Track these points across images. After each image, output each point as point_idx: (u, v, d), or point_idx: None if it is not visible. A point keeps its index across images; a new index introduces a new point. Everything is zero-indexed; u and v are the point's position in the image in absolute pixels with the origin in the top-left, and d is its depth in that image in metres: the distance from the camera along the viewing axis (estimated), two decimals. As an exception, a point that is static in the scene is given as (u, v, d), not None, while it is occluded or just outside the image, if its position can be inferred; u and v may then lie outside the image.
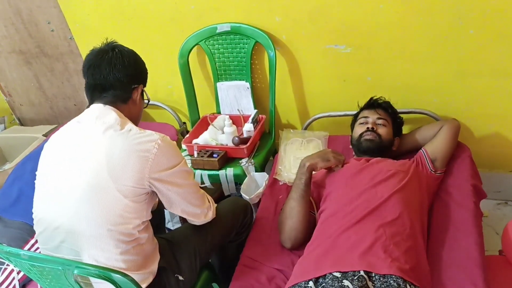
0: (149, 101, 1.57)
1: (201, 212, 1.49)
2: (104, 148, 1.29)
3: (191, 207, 1.44)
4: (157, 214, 1.68)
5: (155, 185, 1.32)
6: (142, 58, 1.51)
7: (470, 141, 1.98)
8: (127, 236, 1.31)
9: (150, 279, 1.38)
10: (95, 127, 1.33)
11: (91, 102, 1.41)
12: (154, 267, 1.41)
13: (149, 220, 1.42)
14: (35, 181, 1.41)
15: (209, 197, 1.57)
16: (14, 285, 1.67)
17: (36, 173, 1.42)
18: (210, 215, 1.53)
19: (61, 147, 1.38)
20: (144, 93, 1.51)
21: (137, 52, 1.49)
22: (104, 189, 1.27)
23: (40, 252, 1.42)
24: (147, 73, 1.52)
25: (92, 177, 1.27)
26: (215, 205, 1.59)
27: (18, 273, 1.69)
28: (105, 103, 1.38)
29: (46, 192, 1.36)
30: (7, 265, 1.70)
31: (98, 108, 1.38)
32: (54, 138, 1.42)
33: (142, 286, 1.29)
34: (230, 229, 1.69)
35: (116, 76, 1.38)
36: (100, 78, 1.38)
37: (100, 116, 1.35)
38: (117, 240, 1.30)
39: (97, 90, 1.40)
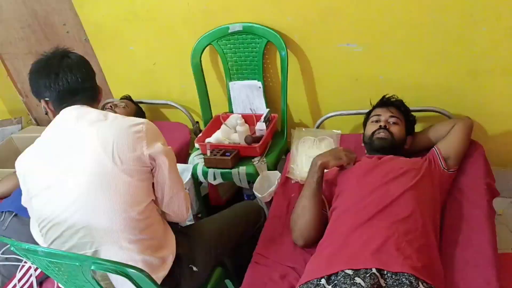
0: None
1: (185, 203, 1.51)
2: (97, 139, 1.31)
3: (176, 195, 1.47)
4: None
5: (155, 161, 1.37)
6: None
7: (483, 139, 1.96)
8: (140, 218, 1.34)
9: (169, 264, 1.41)
10: (79, 125, 1.36)
11: (60, 109, 1.41)
12: (170, 250, 1.44)
13: None
14: (33, 201, 1.40)
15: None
16: (32, 282, 1.70)
17: (31, 192, 1.40)
18: (185, 217, 1.56)
19: (49, 156, 1.36)
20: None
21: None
22: (110, 175, 1.30)
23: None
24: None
25: (96, 167, 1.30)
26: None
27: (35, 270, 1.72)
28: (78, 104, 1.40)
29: (50, 198, 1.35)
30: (25, 262, 1.74)
31: (74, 109, 1.39)
32: (34, 154, 1.41)
33: (161, 272, 1.36)
34: (243, 232, 1.73)
35: (88, 77, 1.43)
36: (74, 81, 1.39)
37: (80, 116, 1.38)
38: (132, 224, 1.33)
39: (70, 95, 1.40)
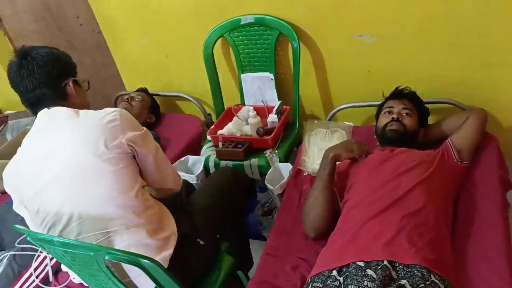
0: (89, 82, 1.57)
1: (173, 177, 1.58)
2: (72, 136, 1.33)
3: (165, 172, 1.52)
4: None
5: (134, 148, 1.37)
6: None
7: (497, 131, 1.94)
8: (134, 203, 1.37)
9: (172, 244, 1.43)
10: (51, 128, 1.36)
11: (35, 113, 1.42)
12: (171, 231, 1.46)
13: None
14: (28, 205, 1.42)
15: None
16: (47, 271, 1.73)
17: (24, 198, 1.42)
18: (180, 182, 1.63)
19: (33, 161, 1.37)
20: (77, 81, 1.50)
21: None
22: (93, 168, 1.31)
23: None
24: (70, 62, 1.49)
25: (78, 163, 1.31)
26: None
27: (50, 259, 1.75)
28: (49, 107, 1.40)
29: (43, 200, 1.36)
30: (40, 252, 1.77)
31: (45, 113, 1.39)
32: (18, 162, 1.41)
33: (164, 252, 1.38)
34: (230, 192, 1.79)
35: (42, 83, 1.37)
36: (29, 91, 1.37)
37: (52, 117, 1.38)
38: (127, 210, 1.35)
39: (34, 102, 1.40)
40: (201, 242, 1.54)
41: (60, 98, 1.42)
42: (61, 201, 1.33)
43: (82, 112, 1.39)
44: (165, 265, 1.37)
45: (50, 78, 1.39)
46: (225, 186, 1.81)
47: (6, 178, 1.43)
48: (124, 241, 1.36)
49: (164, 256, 1.40)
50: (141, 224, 1.38)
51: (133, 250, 1.31)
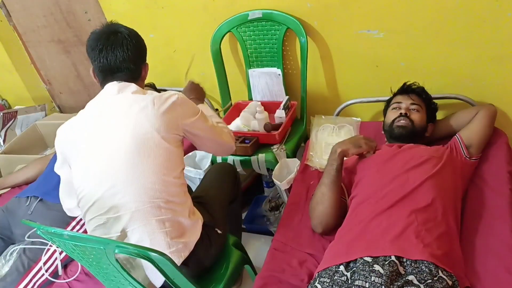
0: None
1: (227, 139, 1.70)
2: (139, 108, 1.42)
3: (219, 139, 1.65)
4: None
5: (188, 131, 1.52)
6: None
7: (506, 126, 1.92)
8: (176, 182, 1.46)
9: (200, 227, 1.51)
10: (122, 96, 1.47)
11: (104, 82, 1.52)
12: (198, 215, 1.53)
13: None
14: (72, 165, 1.50)
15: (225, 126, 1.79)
16: (57, 264, 1.75)
17: (69, 159, 1.50)
18: (232, 141, 1.75)
19: (92, 124, 1.48)
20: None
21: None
22: (152, 140, 1.41)
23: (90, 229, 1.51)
24: (146, 49, 1.62)
25: (139, 134, 1.40)
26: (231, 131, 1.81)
27: (60, 253, 1.77)
28: (118, 81, 1.50)
29: (90, 164, 1.45)
30: (50, 245, 1.79)
31: (115, 85, 1.49)
32: (76, 123, 1.51)
33: (196, 234, 1.47)
34: (229, 184, 1.85)
35: (129, 58, 1.50)
36: (114, 60, 1.49)
37: (122, 89, 1.48)
38: (169, 186, 1.43)
39: (110, 72, 1.51)
40: (219, 231, 1.61)
41: (134, 77, 1.54)
42: (115, 165, 1.40)
43: (148, 91, 1.51)
44: (191, 248, 1.45)
45: (138, 57, 1.55)
46: (225, 179, 1.85)
47: (61, 134, 1.53)
48: (162, 214, 1.41)
49: (191, 240, 1.46)
50: (175, 202, 1.45)
51: (168, 225, 1.41)
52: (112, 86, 1.49)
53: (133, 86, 1.50)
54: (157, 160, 1.41)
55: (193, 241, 1.46)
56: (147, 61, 1.61)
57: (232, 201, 1.84)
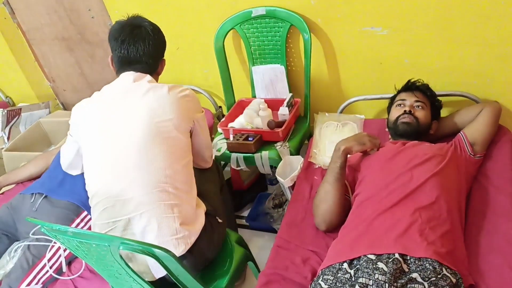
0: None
1: (210, 154, 1.81)
2: (154, 98, 1.48)
3: (209, 147, 1.75)
4: None
5: (195, 124, 1.59)
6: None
7: (511, 124, 1.92)
8: (184, 170, 1.51)
9: (203, 216, 1.55)
10: (137, 85, 1.51)
11: (121, 71, 1.57)
12: (202, 205, 1.59)
13: None
14: (83, 148, 1.55)
15: None
16: (61, 262, 1.75)
17: (81, 138, 1.55)
18: (211, 161, 1.84)
19: (107, 107, 1.52)
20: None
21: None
22: (165, 129, 1.46)
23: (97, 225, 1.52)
24: (166, 45, 1.68)
25: (152, 122, 1.45)
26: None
27: (64, 250, 1.77)
28: (136, 72, 1.55)
29: (102, 146, 1.49)
30: (54, 242, 1.79)
31: (131, 75, 1.54)
32: (90, 104, 1.57)
33: (200, 222, 1.52)
34: (216, 170, 1.91)
35: (149, 52, 1.55)
36: (134, 53, 1.54)
37: (137, 78, 1.53)
38: (178, 173, 1.48)
39: (128, 63, 1.56)
40: (220, 220, 1.65)
41: (151, 70, 1.59)
42: (127, 150, 1.44)
43: (161, 84, 1.55)
44: (197, 235, 1.48)
45: (158, 52, 1.61)
46: (208, 169, 1.87)
47: (76, 115, 1.58)
48: (171, 199, 1.44)
49: (199, 226, 1.50)
50: (183, 189, 1.49)
51: (176, 210, 1.44)
52: (128, 75, 1.54)
53: (148, 77, 1.55)
54: (169, 147, 1.46)
55: (198, 229, 1.49)
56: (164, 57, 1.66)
57: (220, 189, 1.89)
